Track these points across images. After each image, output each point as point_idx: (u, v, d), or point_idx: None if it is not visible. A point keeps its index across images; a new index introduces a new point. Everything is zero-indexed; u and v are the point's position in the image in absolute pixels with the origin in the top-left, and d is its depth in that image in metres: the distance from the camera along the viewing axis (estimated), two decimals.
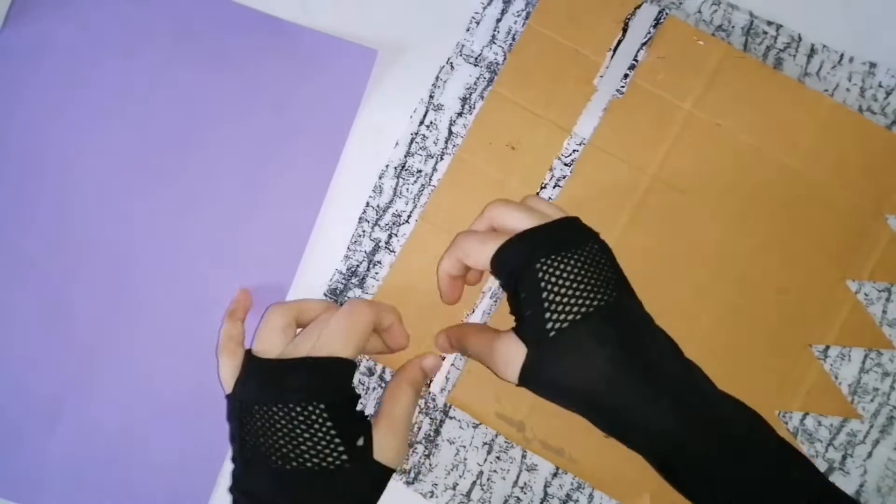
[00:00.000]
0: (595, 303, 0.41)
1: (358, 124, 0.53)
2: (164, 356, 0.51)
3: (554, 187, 0.52)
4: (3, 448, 0.51)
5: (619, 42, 0.52)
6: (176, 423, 0.51)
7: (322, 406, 0.42)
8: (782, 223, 0.51)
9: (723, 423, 0.41)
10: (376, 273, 0.52)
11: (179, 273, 0.52)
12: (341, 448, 0.42)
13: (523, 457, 0.50)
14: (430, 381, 0.51)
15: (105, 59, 0.53)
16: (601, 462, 0.50)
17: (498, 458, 0.50)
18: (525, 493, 0.50)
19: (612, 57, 0.52)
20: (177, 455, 0.51)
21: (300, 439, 0.42)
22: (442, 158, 0.52)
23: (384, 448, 0.44)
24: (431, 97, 0.53)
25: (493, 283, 0.51)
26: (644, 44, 0.52)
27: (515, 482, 0.50)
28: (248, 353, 0.45)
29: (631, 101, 0.52)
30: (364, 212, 0.52)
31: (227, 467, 0.51)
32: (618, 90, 0.52)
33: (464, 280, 0.48)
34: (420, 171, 0.52)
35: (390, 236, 0.52)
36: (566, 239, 0.43)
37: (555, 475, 0.50)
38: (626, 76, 0.52)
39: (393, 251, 0.52)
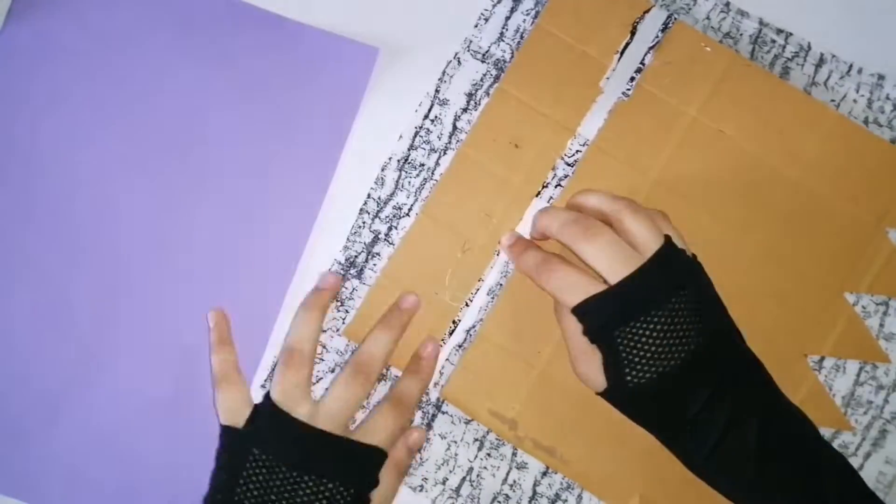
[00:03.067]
0: (670, 362, 0.42)
1: (359, 122, 0.53)
2: (164, 354, 0.51)
3: (556, 187, 0.52)
4: (4, 445, 0.51)
5: (627, 45, 0.52)
6: (177, 421, 0.51)
7: (352, 492, 0.44)
8: (782, 232, 0.51)
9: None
10: (374, 265, 0.52)
11: (180, 268, 0.52)
12: None
13: (514, 455, 0.51)
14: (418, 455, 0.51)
15: (105, 58, 0.53)
16: (592, 463, 0.50)
17: (489, 454, 0.51)
18: (514, 491, 0.50)
19: (619, 59, 0.52)
20: (176, 452, 0.51)
21: None
22: (445, 153, 0.53)
23: None
24: (437, 91, 0.53)
25: (490, 281, 0.51)
26: (651, 48, 0.52)
27: (505, 480, 0.50)
28: (272, 402, 0.46)
29: (636, 104, 0.52)
30: (365, 203, 0.52)
31: None
32: (623, 93, 0.52)
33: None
34: (423, 165, 0.52)
35: (390, 228, 0.52)
36: (645, 302, 0.42)
37: (544, 474, 0.50)
38: (632, 79, 0.52)
39: (392, 243, 0.52)
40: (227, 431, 0.46)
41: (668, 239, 0.43)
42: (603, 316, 0.42)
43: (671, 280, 0.43)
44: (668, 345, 0.42)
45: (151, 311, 0.52)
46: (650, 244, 0.43)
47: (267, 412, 0.45)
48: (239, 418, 0.46)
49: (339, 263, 0.52)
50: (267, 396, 0.47)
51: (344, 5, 0.54)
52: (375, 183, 0.53)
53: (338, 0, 0.54)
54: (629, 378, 0.42)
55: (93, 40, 0.53)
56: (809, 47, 0.53)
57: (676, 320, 0.42)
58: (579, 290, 0.43)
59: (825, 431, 0.50)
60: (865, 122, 0.53)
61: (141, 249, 0.52)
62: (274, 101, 0.53)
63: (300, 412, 0.45)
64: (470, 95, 0.53)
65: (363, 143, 0.53)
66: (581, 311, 0.43)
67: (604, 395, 0.44)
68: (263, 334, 0.51)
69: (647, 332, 0.42)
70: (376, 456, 0.46)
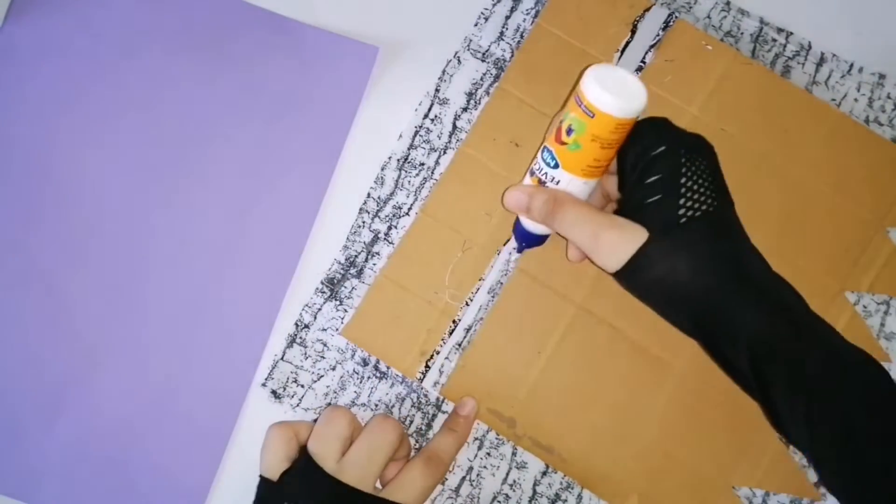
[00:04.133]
0: (716, 203, 0.42)
1: (359, 121, 0.53)
2: (164, 353, 0.51)
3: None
4: (3, 444, 0.51)
5: (627, 44, 0.52)
6: (175, 420, 0.51)
7: None
8: (783, 231, 0.51)
9: (822, 338, 0.41)
10: (374, 264, 0.52)
11: (180, 269, 0.52)
12: None
13: (513, 454, 0.50)
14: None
15: (105, 56, 0.53)
16: (591, 462, 0.50)
17: (488, 454, 0.50)
18: (514, 491, 0.50)
19: (619, 58, 0.52)
20: (175, 452, 0.50)
21: None
22: (445, 152, 0.52)
23: None
24: (437, 90, 0.53)
25: (490, 280, 0.51)
26: (652, 46, 0.52)
27: (505, 479, 0.50)
28: (309, 456, 0.45)
29: None
30: (364, 203, 0.52)
31: (226, 465, 0.50)
32: None
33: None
34: (423, 165, 0.52)
35: (390, 228, 0.52)
36: (704, 143, 0.43)
37: (544, 474, 0.50)
38: None
39: (392, 243, 0.52)
40: (262, 482, 0.46)
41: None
42: (668, 136, 0.43)
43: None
44: (715, 185, 0.42)
45: (151, 310, 0.52)
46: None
47: (303, 466, 0.45)
48: (275, 470, 0.45)
49: (339, 263, 0.52)
50: (305, 449, 0.46)
51: (344, 4, 0.54)
52: (375, 182, 0.52)
53: (337, 1, 0.54)
54: (683, 210, 0.41)
55: (93, 39, 0.53)
56: (810, 46, 0.53)
57: (718, 169, 0.43)
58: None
59: None
60: (866, 121, 0.52)
61: (140, 249, 0.52)
62: (274, 99, 0.53)
63: (330, 466, 0.45)
64: (470, 94, 0.53)
65: (363, 142, 0.53)
66: (640, 129, 0.43)
67: (637, 259, 0.42)
68: (263, 333, 0.51)
69: (704, 167, 0.42)
70: None
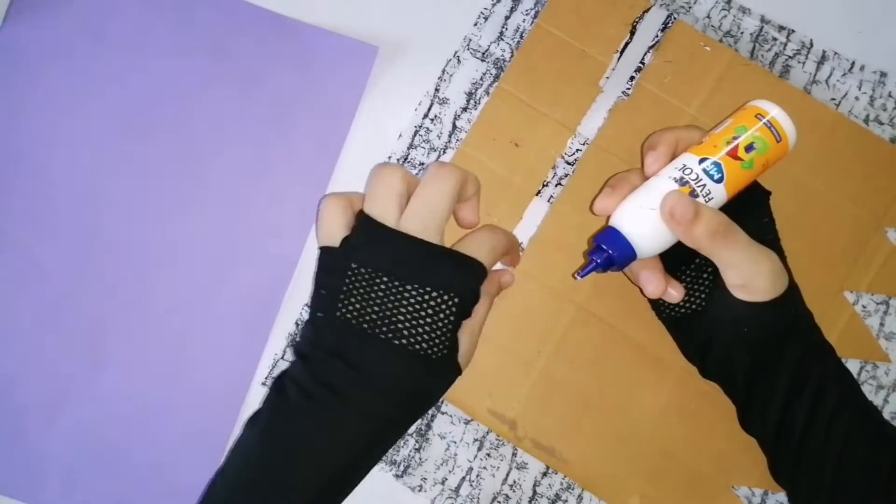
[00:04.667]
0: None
1: (359, 120, 0.53)
2: (164, 353, 0.51)
3: (556, 185, 0.51)
4: (4, 445, 0.51)
5: (627, 44, 0.52)
6: (175, 419, 0.51)
7: (457, 301, 0.42)
8: (782, 231, 0.51)
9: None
10: None
11: (181, 268, 0.52)
12: (448, 343, 0.42)
13: (514, 455, 0.51)
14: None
15: (105, 57, 0.53)
16: (591, 463, 0.50)
17: (488, 455, 0.51)
18: (514, 491, 0.50)
19: (618, 59, 0.52)
20: (176, 451, 0.51)
21: (421, 322, 0.42)
22: (445, 152, 0.52)
23: (464, 351, 0.44)
24: (437, 90, 0.53)
25: None
26: (651, 47, 0.52)
27: (505, 480, 0.50)
28: (366, 215, 0.43)
29: (636, 103, 0.52)
30: None
31: None
32: (623, 92, 0.52)
33: None
34: (422, 164, 0.52)
35: None
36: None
37: (544, 475, 0.50)
38: (632, 78, 0.52)
39: None
40: (323, 252, 0.44)
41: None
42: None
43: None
44: None
45: (152, 310, 0.52)
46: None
47: (363, 226, 0.43)
48: (336, 238, 0.44)
49: None
50: (361, 212, 0.44)
51: (343, 4, 0.54)
52: None
53: (337, 0, 0.54)
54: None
55: (92, 39, 0.53)
56: (811, 45, 0.53)
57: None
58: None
59: None
60: (866, 119, 0.52)
61: (141, 248, 0.52)
62: (273, 99, 0.53)
63: (392, 223, 0.43)
64: (470, 94, 0.53)
65: (363, 141, 0.53)
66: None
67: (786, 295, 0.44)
68: (263, 332, 0.51)
69: None
70: (479, 269, 0.44)
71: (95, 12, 0.53)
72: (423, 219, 0.43)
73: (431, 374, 0.43)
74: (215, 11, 0.53)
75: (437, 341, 0.42)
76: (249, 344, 0.51)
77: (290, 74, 0.53)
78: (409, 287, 0.42)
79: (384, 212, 0.43)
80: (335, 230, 0.44)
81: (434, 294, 0.42)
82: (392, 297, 0.42)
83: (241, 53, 0.53)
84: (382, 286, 0.42)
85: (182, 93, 0.53)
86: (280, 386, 0.43)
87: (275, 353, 0.51)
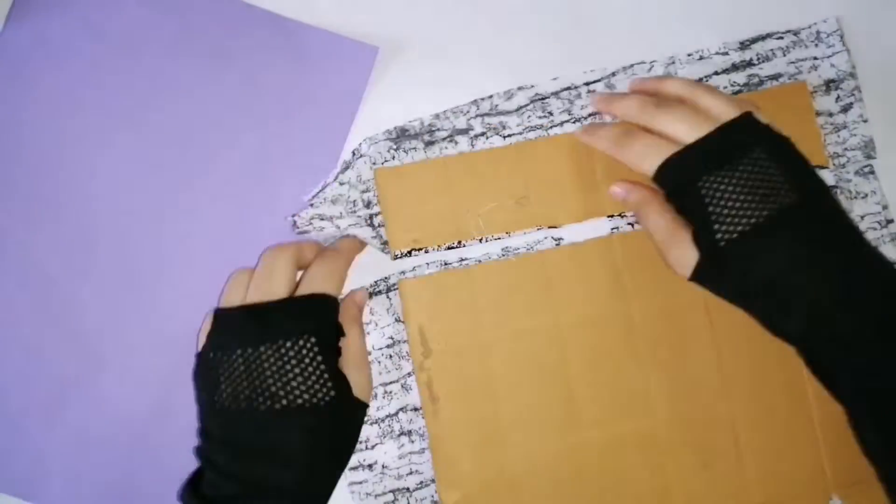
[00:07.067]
0: (764, 212, 0.41)
1: (359, 121, 0.53)
2: (166, 352, 0.51)
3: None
4: (6, 444, 0.51)
5: None
6: (177, 419, 0.51)
7: (313, 340, 0.42)
8: None
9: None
10: None
11: (180, 268, 0.52)
12: (330, 384, 0.42)
13: None
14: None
15: (106, 57, 0.53)
16: None
17: None
18: None
19: None
20: (178, 451, 0.50)
21: (290, 376, 0.41)
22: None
23: (357, 384, 0.44)
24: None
25: None
26: None
27: None
28: (216, 311, 0.45)
29: None
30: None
31: None
32: None
33: None
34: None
35: None
36: (729, 152, 0.42)
37: None
38: None
39: None
40: (197, 358, 0.45)
41: (749, 112, 0.44)
42: (686, 169, 0.43)
43: (753, 134, 0.43)
44: (757, 196, 0.41)
45: (151, 310, 0.52)
46: (729, 113, 0.44)
47: (214, 321, 0.45)
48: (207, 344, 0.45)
49: None
50: (215, 311, 0.46)
51: (343, 4, 0.54)
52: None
53: (336, 0, 0.54)
54: (720, 236, 0.41)
55: (93, 40, 0.53)
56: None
57: (760, 169, 0.42)
58: (660, 151, 0.44)
59: None
60: None
61: (140, 248, 0.52)
62: (273, 99, 0.53)
63: (237, 301, 0.45)
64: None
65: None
66: (663, 172, 0.43)
67: (698, 273, 0.43)
68: None
69: (734, 182, 0.41)
70: (321, 301, 0.44)
71: (96, 14, 0.53)
72: (262, 291, 0.44)
73: (328, 421, 0.42)
74: (215, 13, 0.53)
75: (316, 388, 0.42)
76: None
77: (290, 75, 0.53)
78: (262, 349, 0.42)
79: (229, 299, 0.45)
80: (203, 339, 0.45)
81: (288, 344, 0.42)
82: (253, 367, 0.42)
83: (241, 54, 0.53)
84: (241, 360, 0.42)
85: (182, 94, 0.53)
86: (195, 487, 0.43)
87: None
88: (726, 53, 0.52)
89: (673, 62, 0.52)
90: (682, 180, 0.43)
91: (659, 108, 0.45)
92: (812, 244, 0.41)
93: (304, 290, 0.44)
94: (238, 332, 0.43)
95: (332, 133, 0.53)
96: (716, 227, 0.41)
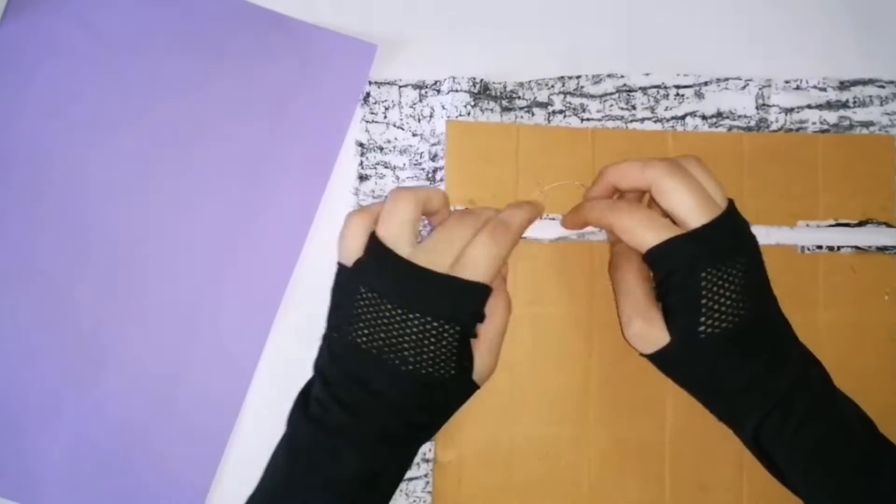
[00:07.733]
0: (743, 313, 0.42)
1: (357, 119, 0.52)
2: (164, 353, 0.51)
3: None
4: (3, 446, 0.50)
5: None
6: (175, 420, 0.50)
7: (458, 328, 0.43)
8: None
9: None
10: None
11: (180, 268, 0.51)
12: (454, 365, 0.43)
13: None
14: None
15: (103, 55, 0.53)
16: None
17: None
18: None
19: None
20: (175, 452, 0.50)
21: (425, 349, 0.42)
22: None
23: (481, 368, 0.45)
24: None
25: None
26: None
27: None
28: (377, 238, 0.44)
29: None
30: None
31: (226, 465, 0.50)
32: None
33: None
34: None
35: None
36: (731, 247, 0.43)
37: None
38: None
39: None
40: (339, 269, 0.45)
41: (731, 200, 0.44)
42: (687, 257, 0.42)
43: (748, 234, 0.44)
44: (745, 296, 0.42)
45: (151, 310, 0.51)
46: (723, 198, 0.44)
47: (373, 250, 0.44)
48: (352, 258, 0.44)
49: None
50: (374, 235, 0.44)
51: (342, 3, 0.53)
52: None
53: None
54: (703, 328, 0.42)
55: (91, 38, 0.53)
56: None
57: (752, 272, 0.43)
58: (657, 230, 0.43)
59: None
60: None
61: (140, 248, 0.51)
62: (272, 97, 0.52)
63: (404, 250, 0.43)
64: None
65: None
66: (659, 252, 0.42)
67: (661, 353, 0.44)
68: (261, 333, 0.51)
69: (731, 278, 0.41)
70: (477, 292, 0.44)
71: (94, 11, 0.53)
72: (436, 255, 0.44)
73: (439, 392, 0.44)
74: (213, 9, 0.53)
75: (442, 365, 0.43)
76: (246, 345, 0.51)
77: (288, 72, 0.52)
78: (412, 316, 0.42)
79: (396, 238, 0.44)
80: (352, 249, 0.44)
81: (436, 324, 0.42)
82: (397, 324, 0.42)
83: (239, 51, 0.53)
84: (387, 312, 0.42)
85: (180, 91, 0.52)
86: (305, 404, 0.44)
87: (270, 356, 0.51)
88: (824, 89, 0.51)
89: (769, 85, 0.51)
90: (681, 265, 0.42)
91: (667, 172, 0.44)
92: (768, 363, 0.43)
93: (467, 270, 0.43)
94: (399, 285, 0.43)
95: (330, 131, 0.52)
96: (703, 318, 0.42)
